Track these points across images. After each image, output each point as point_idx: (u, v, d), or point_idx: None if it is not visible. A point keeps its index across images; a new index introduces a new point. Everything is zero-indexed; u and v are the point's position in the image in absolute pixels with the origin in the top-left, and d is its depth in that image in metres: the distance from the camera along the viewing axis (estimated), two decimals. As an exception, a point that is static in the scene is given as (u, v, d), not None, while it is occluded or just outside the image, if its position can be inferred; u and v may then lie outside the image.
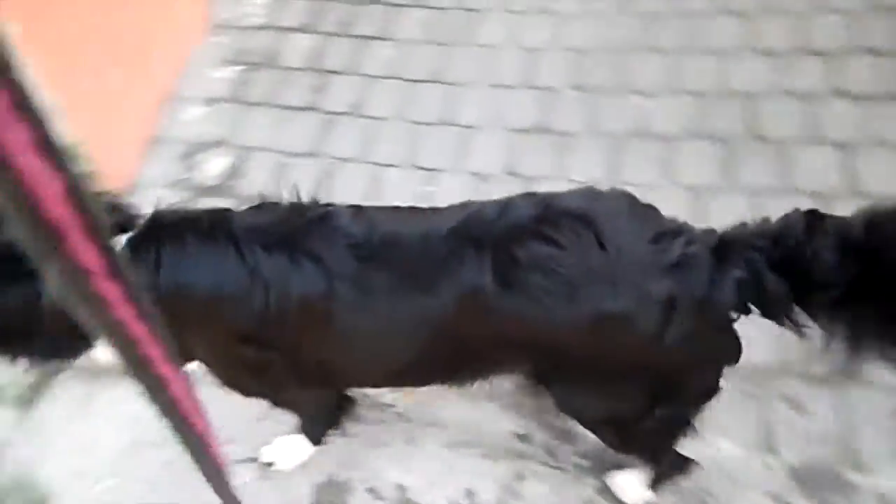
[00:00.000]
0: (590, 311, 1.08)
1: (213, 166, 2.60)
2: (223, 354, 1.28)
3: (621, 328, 1.10)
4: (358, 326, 1.16)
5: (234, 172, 2.56)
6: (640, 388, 1.24)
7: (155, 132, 2.67)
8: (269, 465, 1.78)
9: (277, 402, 1.54)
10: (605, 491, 1.77)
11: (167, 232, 1.14)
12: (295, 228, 1.15)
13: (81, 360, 1.28)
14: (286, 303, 1.12)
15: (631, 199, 1.18)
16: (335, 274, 1.11)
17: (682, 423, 1.38)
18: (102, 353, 1.13)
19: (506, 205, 1.17)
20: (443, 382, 1.39)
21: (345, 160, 2.54)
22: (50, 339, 1.15)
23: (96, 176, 2.10)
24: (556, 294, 1.07)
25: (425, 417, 1.90)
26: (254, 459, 1.81)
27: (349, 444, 1.83)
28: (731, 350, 1.21)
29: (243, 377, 1.33)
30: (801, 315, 1.11)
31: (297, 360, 1.25)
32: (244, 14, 3.03)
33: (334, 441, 1.82)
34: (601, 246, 1.07)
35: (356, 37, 2.91)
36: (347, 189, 2.42)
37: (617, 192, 1.19)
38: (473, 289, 1.10)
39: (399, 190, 2.42)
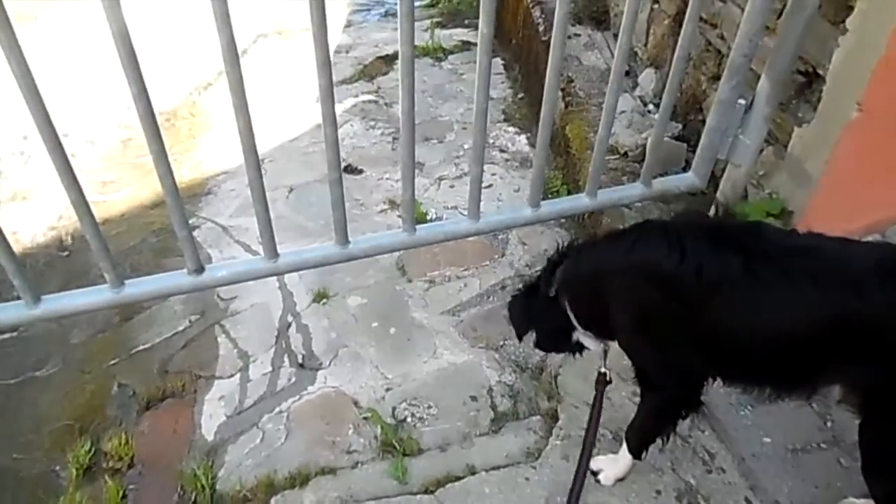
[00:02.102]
0: None
1: None
2: (652, 317, 1.56)
3: None
4: (768, 305, 1.35)
5: None
6: None
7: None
8: (595, 473, 2.00)
9: (652, 369, 1.71)
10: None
11: (642, 228, 1.59)
12: (729, 227, 1.50)
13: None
14: (715, 278, 1.39)
15: None
16: (758, 259, 1.35)
17: None
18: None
19: None
20: (794, 383, 1.51)
21: None
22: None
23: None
24: None
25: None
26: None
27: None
28: None
29: (654, 337, 1.60)
30: None
31: (704, 328, 1.46)
32: None
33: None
34: None
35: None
36: None
37: None
38: None
39: None
